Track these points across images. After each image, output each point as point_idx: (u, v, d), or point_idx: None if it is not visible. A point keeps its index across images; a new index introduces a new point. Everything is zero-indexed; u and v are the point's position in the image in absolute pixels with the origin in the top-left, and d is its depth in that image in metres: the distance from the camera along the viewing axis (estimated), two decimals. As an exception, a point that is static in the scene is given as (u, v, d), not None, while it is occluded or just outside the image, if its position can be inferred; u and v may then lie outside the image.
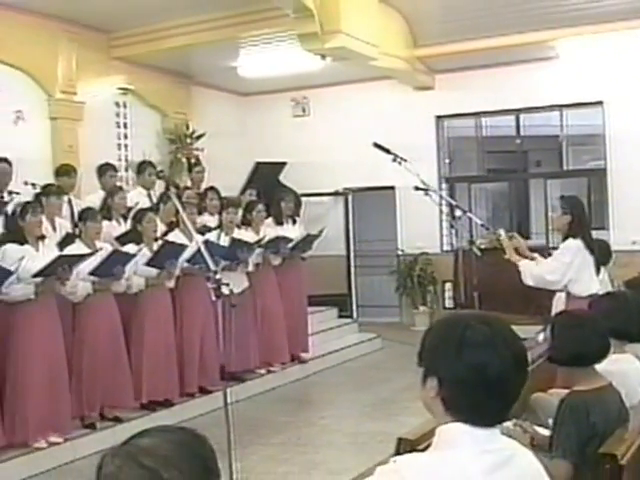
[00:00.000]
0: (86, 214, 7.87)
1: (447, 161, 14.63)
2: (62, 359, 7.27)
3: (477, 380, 2.07)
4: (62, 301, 7.46)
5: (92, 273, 7.55)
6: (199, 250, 6.15)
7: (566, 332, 3.87)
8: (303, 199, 11.61)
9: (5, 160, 8.53)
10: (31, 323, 6.98)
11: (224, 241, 9.27)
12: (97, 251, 7.61)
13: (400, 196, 13.93)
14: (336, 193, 14.64)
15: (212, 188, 10.14)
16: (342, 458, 7.18)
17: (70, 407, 7.36)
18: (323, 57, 11.27)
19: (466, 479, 2.03)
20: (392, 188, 13.90)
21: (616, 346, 4.13)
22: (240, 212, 10.05)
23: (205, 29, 10.85)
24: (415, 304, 14.13)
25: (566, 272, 6.37)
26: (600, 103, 12.96)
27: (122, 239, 8.48)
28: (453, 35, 12.24)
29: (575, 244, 6.39)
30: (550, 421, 3.89)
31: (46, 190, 8.23)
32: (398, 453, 3.11)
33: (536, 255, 6.81)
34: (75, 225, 8.29)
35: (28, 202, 7.38)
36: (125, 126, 12.38)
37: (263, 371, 10.02)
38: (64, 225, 8.43)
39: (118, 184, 9.86)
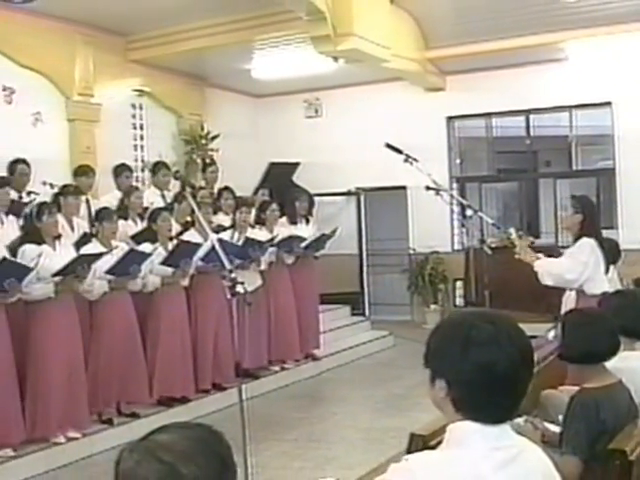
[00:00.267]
0: (102, 214, 7.95)
1: (458, 161, 14.67)
2: (80, 356, 7.35)
3: (485, 379, 2.07)
4: (79, 299, 7.52)
5: (109, 272, 7.63)
6: (214, 248, 6.20)
7: (576, 330, 3.86)
8: (316, 199, 11.65)
9: (24, 161, 8.64)
10: (50, 321, 7.06)
11: (237, 240, 9.34)
12: (114, 249, 7.76)
13: (412, 196, 13.98)
14: (348, 193, 14.70)
15: (227, 188, 10.22)
16: (355, 453, 7.20)
17: (88, 403, 7.44)
18: (335, 59, 11.32)
19: (477, 476, 2.03)
20: (404, 188, 13.95)
21: (626, 343, 4.11)
22: (253, 212, 10.13)
23: (220, 32, 10.90)
24: (426, 302, 14.18)
25: (584, 271, 6.35)
26: (609, 104, 12.99)
27: (137, 238, 8.56)
28: (464, 37, 12.26)
29: (590, 243, 6.38)
30: (560, 418, 3.89)
31: (64, 190, 8.32)
32: (410, 449, 3.15)
33: (540, 255, 6.85)
34: (92, 225, 8.39)
35: (44, 203, 7.45)
36: (141, 127, 12.47)
37: (277, 368, 10.09)
38: (82, 225, 8.50)
39: (134, 184, 9.97)
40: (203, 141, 13.03)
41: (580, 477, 3.48)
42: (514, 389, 2.12)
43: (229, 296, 5.28)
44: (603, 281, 6.45)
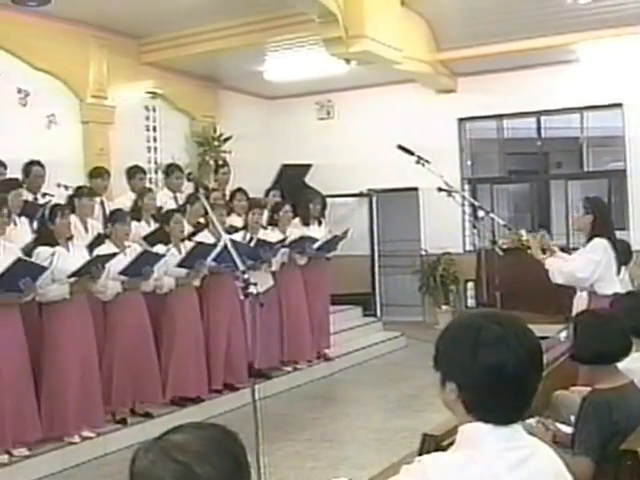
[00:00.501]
0: (115, 216, 8.01)
1: (469, 163, 14.69)
2: (94, 356, 7.41)
3: (496, 381, 2.06)
4: (93, 300, 7.57)
5: (122, 273, 7.68)
6: (227, 249, 6.23)
7: (588, 330, 3.87)
8: (328, 200, 11.68)
9: (38, 163, 8.69)
10: (65, 321, 7.11)
11: (249, 242, 9.37)
12: (126, 248, 7.83)
13: (423, 197, 13.99)
14: (360, 194, 14.72)
15: (240, 189, 10.24)
16: (367, 454, 7.23)
17: (102, 403, 7.49)
18: (347, 61, 11.37)
19: (491, 476, 2.03)
20: (415, 189, 13.95)
21: (637, 344, 4.12)
22: (265, 213, 10.18)
23: (232, 34, 10.93)
24: (438, 303, 14.19)
25: (595, 270, 6.37)
26: (620, 105, 12.98)
27: (149, 239, 8.62)
28: (475, 39, 12.26)
29: (603, 243, 6.40)
30: (572, 418, 3.89)
31: (78, 192, 8.37)
32: (423, 449, 3.15)
33: (555, 249, 6.87)
34: (106, 226, 8.45)
35: (57, 205, 7.52)
36: (154, 129, 12.53)
37: (289, 368, 10.13)
38: (96, 226, 8.54)
39: (147, 186, 10.02)
40: (216, 143, 13.06)
41: (592, 478, 3.49)
42: (524, 390, 2.12)
43: (242, 297, 5.28)
44: (615, 282, 6.46)
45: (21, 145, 9.53)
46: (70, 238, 7.38)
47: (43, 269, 6.76)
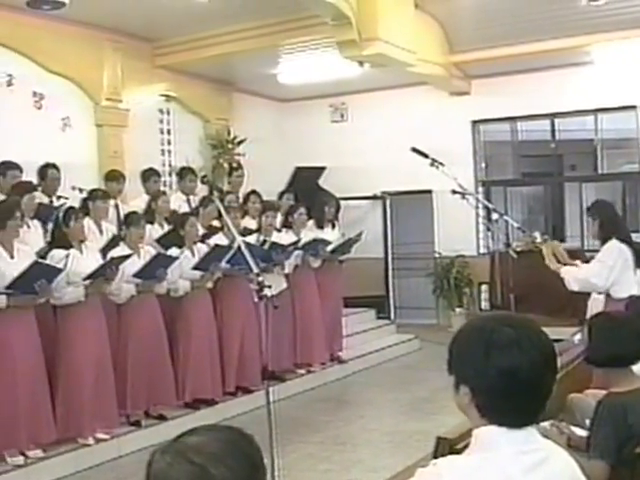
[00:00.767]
0: (130, 219, 8.04)
1: (483, 165, 14.67)
2: (108, 358, 7.45)
3: (509, 384, 2.05)
4: (107, 302, 7.62)
5: (136, 275, 7.71)
6: (241, 252, 6.24)
7: (603, 333, 3.85)
8: (342, 203, 11.67)
9: (54, 166, 8.72)
10: (79, 324, 7.16)
11: (262, 245, 9.39)
12: (140, 251, 7.87)
13: (437, 199, 13.99)
14: (374, 197, 14.72)
15: (254, 192, 10.25)
16: (381, 456, 7.22)
17: (116, 405, 7.53)
18: (361, 64, 11.36)
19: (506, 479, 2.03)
20: (429, 192, 13.94)
21: None
22: (279, 216, 10.19)
23: (246, 37, 10.94)
24: (452, 306, 14.18)
25: (610, 275, 6.36)
26: (634, 107, 12.96)
27: (162, 241, 8.65)
28: (489, 41, 12.24)
29: (617, 246, 6.39)
30: (587, 422, 3.87)
31: (92, 195, 8.39)
32: (437, 452, 3.13)
33: (577, 262, 6.85)
34: (120, 229, 8.48)
35: (71, 208, 7.57)
36: (168, 132, 12.59)
37: (303, 371, 10.15)
38: (110, 229, 8.56)
39: (161, 189, 10.05)
40: (230, 145, 13.10)
41: (607, 481, 3.47)
42: (538, 393, 2.11)
43: (256, 299, 5.30)
44: (631, 284, 6.41)
45: (36, 148, 9.57)
46: (83, 241, 7.41)
47: (59, 271, 6.81)
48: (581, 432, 3.99)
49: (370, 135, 14.59)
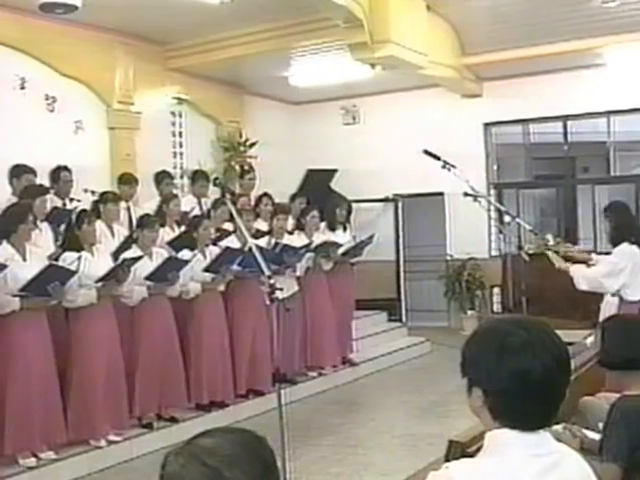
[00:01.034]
0: (144, 222, 8.04)
1: (495, 167, 14.66)
2: (120, 361, 7.46)
3: (521, 388, 2.04)
4: (120, 304, 7.63)
5: (147, 278, 7.72)
6: (252, 254, 6.23)
7: (616, 336, 3.83)
8: (354, 205, 11.66)
9: (66, 168, 8.76)
10: (91, 326, 7.17)
11: (274, 248, 9.37)
12: (153, 253, 7.89)
13: (449, 202, 13.98)
14: (386, 199, 14.72)
15: (266, 194, 10.25)
16: (392, 460, 7.21)
17: (128, 407, 7.55)
18: (373, 66, 11.35)
19: None
20: (441, 194, 13.95)
21: None
22: (290, 219, 10.19)
23: (257, 40, 10.97)
24: (463, 308, 14.17)
25: (620, 276, 6.34)
26: (647, 109, 12.96)
27: (174, 243, 8.66)
28: (501, 43, 12.23)
29: (629, 248, 6.37)
30: (600, 425, 3.84)
31: (103, 197, 8.43)
32: (449, 456, 3.10)
33: (592, 255, 6.82)
34: (133, 231, 8.49)
35: (83, 211, 7.58)
36: (180, 135, 12.62)
37: (314, 374, 10.14)
38: (122, 231, 8.60)
39: (174, 192, 10.06)
40: (241, 148, 13.12)
41: (620, 485, 3.45)
42: (550, 396, 2.10)
43: (268, 302, 5.29)
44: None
45: (48, 151, 9.62)
46: (95, 244, 7.43)
47: (72, 273, 6.83)
48: (594, 435, 3.96)
49: (382, 137, 14.60)
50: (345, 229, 10.80)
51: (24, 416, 6.58)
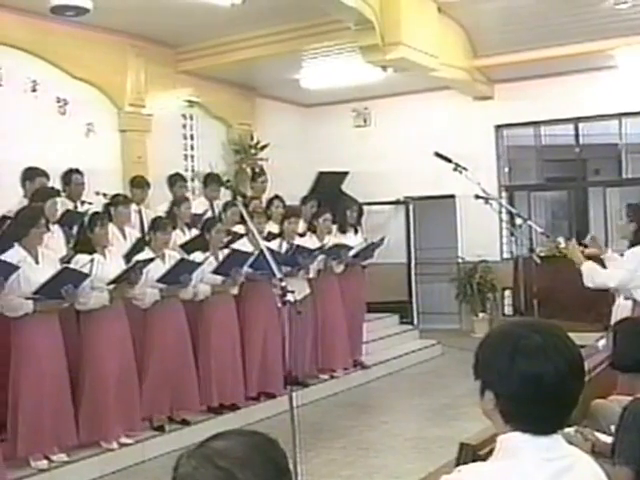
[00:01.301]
0: (157, 224, 8.03)
1: (506, 170, 14.64)
2: (132, 363, 7.46)
3: (533, 392, 2.03)
4: (132, 307, 7.63)
5: (160, 280, 7.72)
6: (264, 257, 6.23)
7: (629, 339, 3.82)
8: (365, 208, 11.66)
9: (78, 171, 8.78)
10: (103, 328, 7.16)
11: (287, 251, 9.38)
12: (165, 256, 7.90)
13: (460, 204, 13.96)
14: (397, 202, 14.71)
15: (277, 197, 10.23)
16: (404, 462, 7.18)
17: (140, 409, 7.55)
18: (384, 68, 11.35)
19: None
20: (452, 197, 13.93)
21: None
22: (301, 222, 10.18)
23: (269, 42, 10.99)
24: (475, 311, 14.14)
25: (631, 278, 6.28)
26: (659, 112, 12.90)
27: (187, 247, 8.66)
28: (512, 45, 12.21)
29: None
30: (612, 428, 3.84)
31: (114, 200, 8.43)
32: (460, 458, 3.09)
33: (609, 251, 6.79)
34: (146, 234, 8.50)
35: (96, 213, 7.61)
36: (191, 137, 12.65)
37: (326, 376, 10.13)
38: (134, 234, 8.61)
39: (185, 194, 10.07)
40: (252, 150, 13.13)
41: (632, 488, 3.44)
42: (562, 401, 2.08)
43: (279, 304, 5.29)
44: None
45: (60, 153, 9.66)
46: (107, 246, 7.43)
47: (85, 276, 6.84)
48: (606, 438, 3.96)
49: (393, 140, 14.60)
50: (356, 232, 10.80)
51: (36, 418, 6.59)
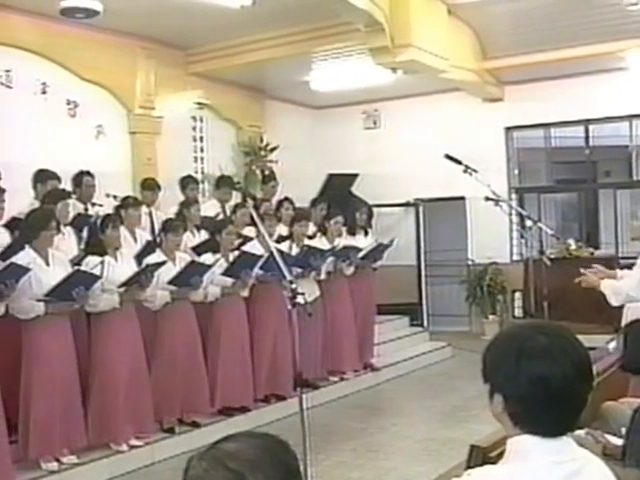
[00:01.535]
0: (168, 226, 8.06)
1: (516, 172, 14.61)
2: (142, 365, 7.47)
3: (541, 394, 2.02)
4: (143, 309, 7.65)
5: (170, 282, 7.73)
6: (274, 259, 6.22)
7: (639, 341, 3.86)
8: (375, 210, 11.65)
9: (88, 173, 8.80)
10: (113, 331, 7.18)
11: (295, 252, 9.40)
12: (176, 258, 7.90)
13: (470, 206, 13.94)
14: (407, 204, 14.70)
15: (287, 199, 10.26)
16: (414, 464, 7.18)
17: (150, 412, 7.55)
18: (394, 70, 11.35)
19: None
20: (462, 198, 13.91)
21: None
22: (311, 225, 10.20)
23: (279, 44, 10.99)
24: (485, 313, 14.11)
25: None
26: (669, 113, 12.86)
27: (198, 249, 8.68)
28: (522, 47, 12.19)
29: None
30: (622, 430, 3.84)
31: (124, 202, 8.45)
32: (470, 461, 3.11)
33: (617, 271, 6.75)
34: (156, 236, 8.52)
35: (108, 215, 7.62)
36: (201, 139, 12.65)
37: (336, 378, 10.14)
38: (144, 236, 8.62)
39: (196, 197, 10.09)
40: (262, 153, 13.13)
41: (643, 490, 3.43)
42: (570, 403, 2.07)
43: (289, 306, 5.29)
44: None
45: (70, 156, 9.68)
46: (118, 248, 7.45)
47: (97, 278, 6.87)
48: (616, 440, 3.97)
49: (403, 142, 14.59)
50: (366, 234, 10.80)
51: (47, 420, 6.61)
